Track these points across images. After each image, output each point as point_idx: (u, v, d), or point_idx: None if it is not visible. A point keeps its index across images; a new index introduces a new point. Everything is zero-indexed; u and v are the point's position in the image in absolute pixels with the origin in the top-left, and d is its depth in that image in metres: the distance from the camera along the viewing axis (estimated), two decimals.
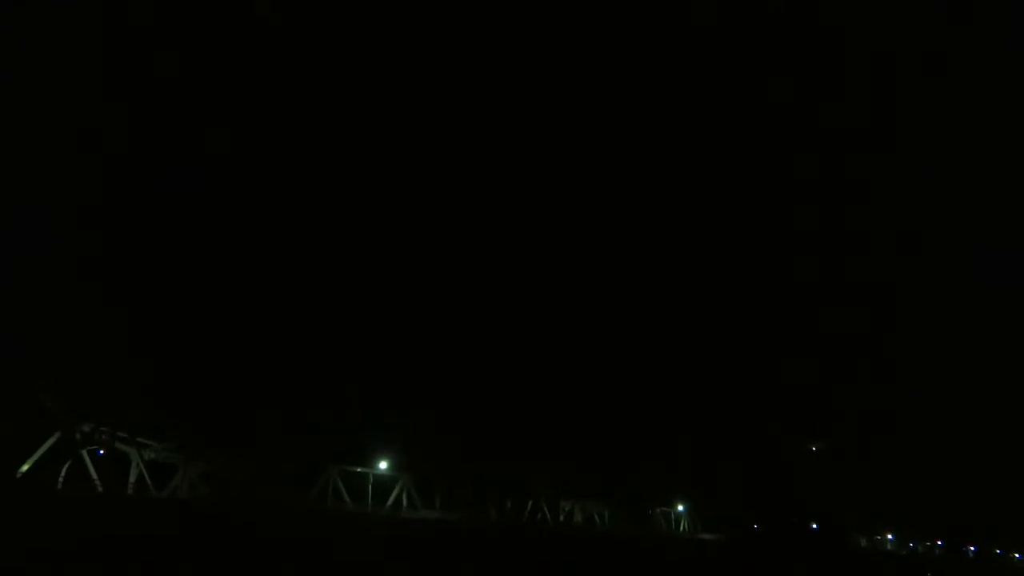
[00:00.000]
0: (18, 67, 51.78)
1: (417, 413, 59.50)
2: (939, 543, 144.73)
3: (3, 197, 47.97)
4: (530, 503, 65.70)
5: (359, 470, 52.76)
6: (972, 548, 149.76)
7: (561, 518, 69.31)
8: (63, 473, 38.65)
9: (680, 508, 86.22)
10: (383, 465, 53.89)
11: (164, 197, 60.67)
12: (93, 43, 57.00)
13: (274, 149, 68.80)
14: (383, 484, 54.19)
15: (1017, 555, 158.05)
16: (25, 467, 36.80)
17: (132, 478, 42.86)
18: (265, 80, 72.17)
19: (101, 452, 41.48)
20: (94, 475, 39.95)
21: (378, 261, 77.01)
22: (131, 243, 57.14)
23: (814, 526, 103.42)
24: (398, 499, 54.36)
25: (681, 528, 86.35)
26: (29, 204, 49.64)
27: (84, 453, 39.84)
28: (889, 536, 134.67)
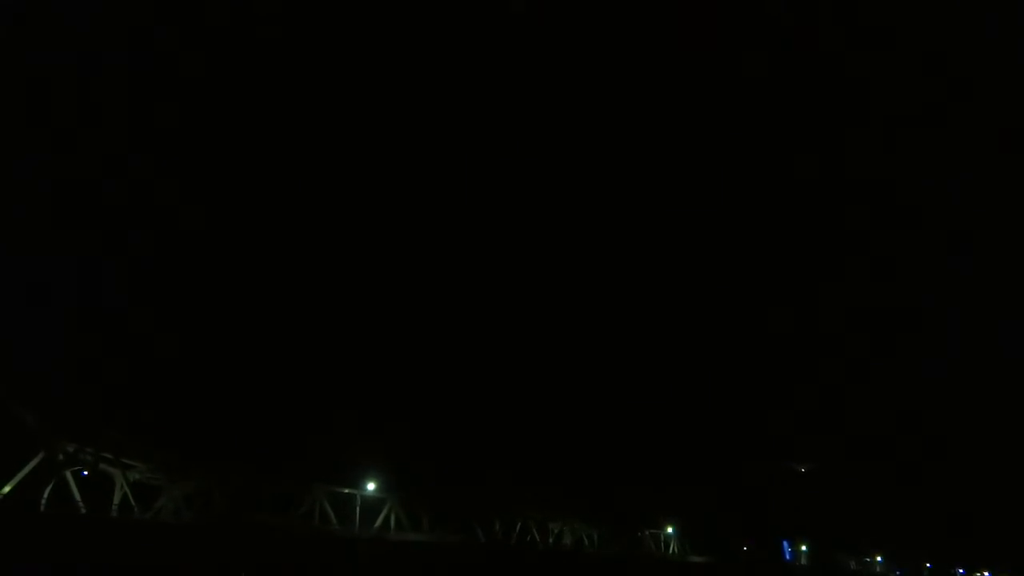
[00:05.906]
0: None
1: (405, 434, 59.31)
2: (928, 565, 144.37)
3: None
4: (519, 525, 65.21)
5: (346, 491, 52.22)
6: (961, 571, 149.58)
7: (550, 540, 68.80)
8: (46, 494, 38.11)
9: (669, 530, 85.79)
10: (371, 486, 53.37)
11: (152, 214, 60.70)
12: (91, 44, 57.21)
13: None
14: (371, 505, 53.65)
15: None
16: (7, 488, 36.23)
17: (116, 499, 42.26)
18: (254, 83, 72.50)
19: (85, 473, 40.97)
20: (78, 496, 39.40)
21: (363, 286, 77.24)
22: (119, 263, 57.07)
23: (803, 548, 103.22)
24: (386, 521, 53.80)
25: (670, 550, 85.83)
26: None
27: (68, 474, 39.31)
28: (878, 558, 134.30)
